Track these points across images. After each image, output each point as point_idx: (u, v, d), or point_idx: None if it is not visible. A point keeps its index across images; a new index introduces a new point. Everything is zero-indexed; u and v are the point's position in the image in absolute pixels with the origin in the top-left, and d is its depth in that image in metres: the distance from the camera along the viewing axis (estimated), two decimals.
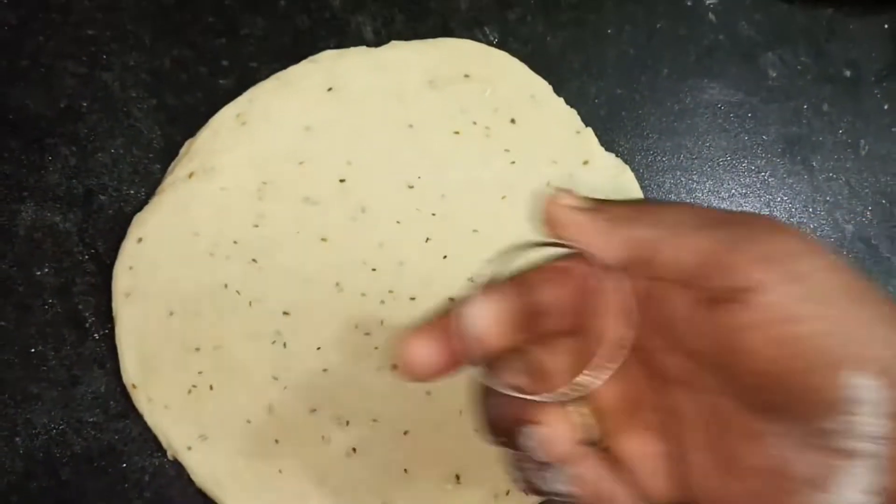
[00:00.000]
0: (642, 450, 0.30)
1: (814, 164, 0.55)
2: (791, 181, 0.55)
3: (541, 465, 0.30)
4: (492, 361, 0.31)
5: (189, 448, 0.50)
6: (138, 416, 0.51)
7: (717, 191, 0.55)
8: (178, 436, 0.50)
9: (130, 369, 0.51)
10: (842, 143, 0.56)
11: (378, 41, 0.56)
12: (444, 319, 0.31)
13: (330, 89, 0.54)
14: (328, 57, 0.55)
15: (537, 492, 0.31)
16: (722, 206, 0.55)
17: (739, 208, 0.55)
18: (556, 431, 0.29)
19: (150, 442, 0.51)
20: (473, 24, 0.56)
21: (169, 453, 0.50)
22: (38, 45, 0.55)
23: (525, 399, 0.29)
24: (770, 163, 0.55)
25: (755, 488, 0.28)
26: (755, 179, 0.55)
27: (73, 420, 0.51)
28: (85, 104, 0.54)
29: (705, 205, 0.55)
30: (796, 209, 0.55)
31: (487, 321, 0.30)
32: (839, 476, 0.26)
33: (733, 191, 0.55)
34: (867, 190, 0.55)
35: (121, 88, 0.55)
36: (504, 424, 0.31)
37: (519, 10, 0.57)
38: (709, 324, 0.28)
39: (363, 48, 0.55)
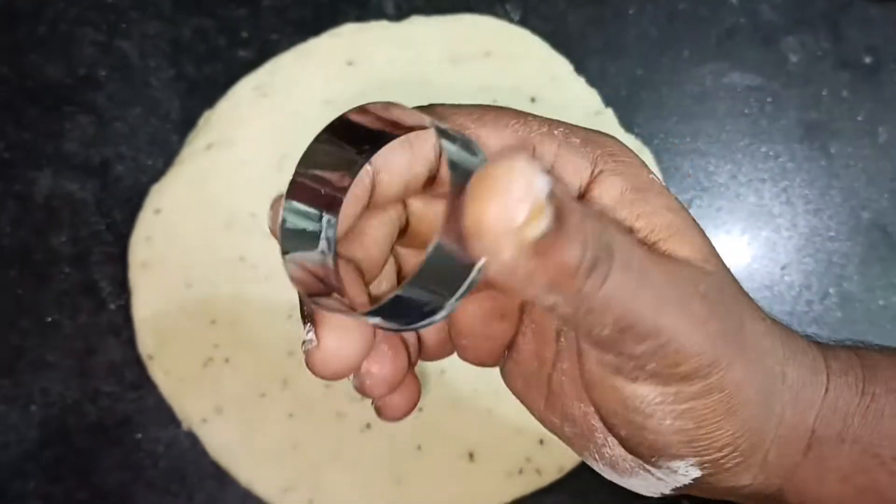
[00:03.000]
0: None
1: (832, 150, 0.55)
2: (808, 167, 0.55)
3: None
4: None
5: (204, 420, 0.50)
6: (153, 387, 0.51)
7: (736, 175, 0.55)
8: (193, 408, 0.50)
9: (146, 340, 0.51)
10: (860, 130, 0.55)
11: (399, 15, 0.55)
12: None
13: (350, 63, 0.54)
14: (349, 30, 0.55)
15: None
16: (740, 192, 0.55)
17: (757, 193, 0.55)
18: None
19: (165, 413, 0.51)
20: (494, 1, 0.56)
21: (184, 425, 0.50)
22: (57, 13, 0.54)
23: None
24: (788, 148, 0.55)
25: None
26: (773, 164, 0.55)
27: (89, 389, 0.51)
28: (104, 73, 0.54)
29: (723, 189, 0.55)
30: (813, 195, 0.55)
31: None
32: None
33: (751, 175, 0.55)
34: (884, 177, 0.55)
35: (140, 57, 0.54)
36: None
37: None
38: None
39: (384, 22, 0.55)
